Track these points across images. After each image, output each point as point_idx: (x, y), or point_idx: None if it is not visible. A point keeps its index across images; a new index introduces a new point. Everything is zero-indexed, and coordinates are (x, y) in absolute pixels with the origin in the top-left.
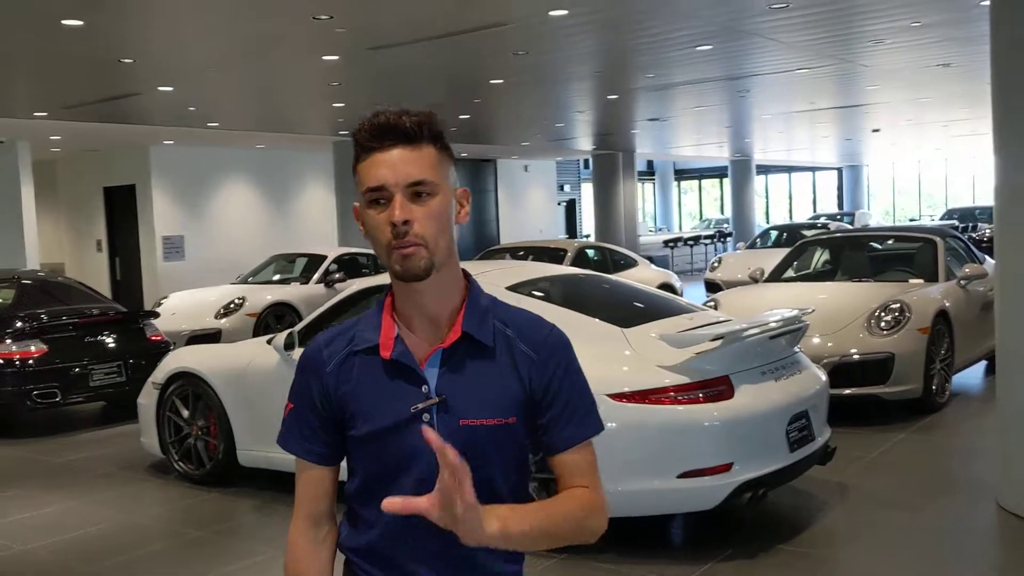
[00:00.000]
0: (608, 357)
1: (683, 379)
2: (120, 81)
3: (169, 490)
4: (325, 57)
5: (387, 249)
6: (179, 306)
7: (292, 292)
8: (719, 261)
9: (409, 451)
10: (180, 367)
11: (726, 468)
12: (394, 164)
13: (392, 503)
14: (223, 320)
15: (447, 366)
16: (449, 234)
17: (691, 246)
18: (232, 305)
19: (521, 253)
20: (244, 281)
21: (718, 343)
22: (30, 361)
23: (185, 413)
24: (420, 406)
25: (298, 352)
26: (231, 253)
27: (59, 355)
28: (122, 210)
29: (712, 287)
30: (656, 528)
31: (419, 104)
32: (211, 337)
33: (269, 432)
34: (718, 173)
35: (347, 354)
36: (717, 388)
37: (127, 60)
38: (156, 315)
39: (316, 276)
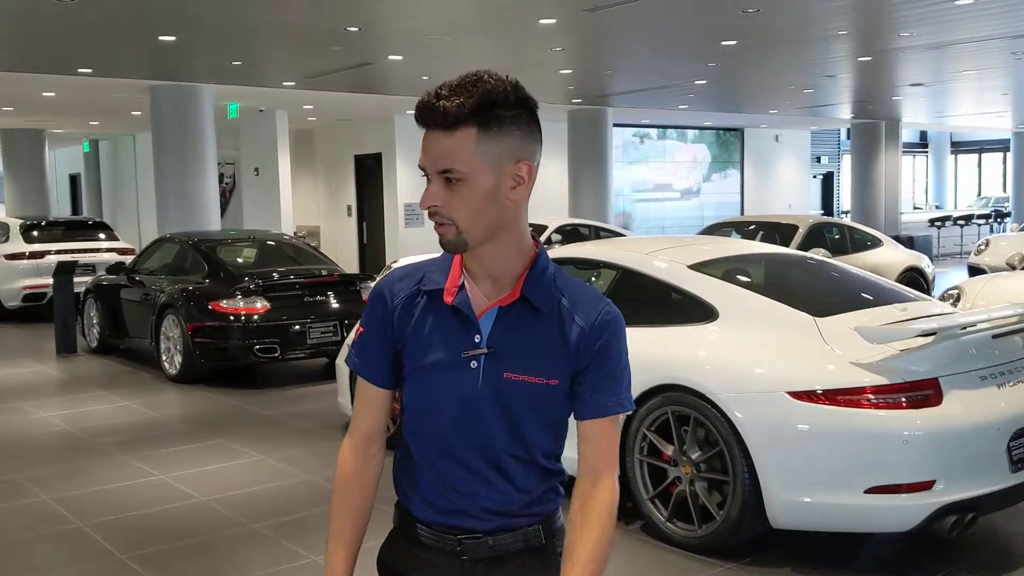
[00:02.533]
0: (794, 349)
1: (881, 380)
2: (351, 51)
3: None
4: (541, 21)
5: (431, 219)
6: None
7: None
8: (986, 244)
9: (453, 392)
10: None
11: (926, 486)
12: (429, 148)
13: None
14: None
15: (502, 322)
16: (489, 214)
17: (961, 226)
18: None
19: (751, 228)
20: None
21: (928, 339)
22: (255, 317)
23: None
24: (471, 352)
25: None
26: None
27: (281, 312)
28: (370, 177)
29: (975, 272)
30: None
31: (643, 70)
32: None
33: None
34: (1001, 146)
35: (415, 292)
36: (922, 392)
37: (352, 28)
38: (373, 278)
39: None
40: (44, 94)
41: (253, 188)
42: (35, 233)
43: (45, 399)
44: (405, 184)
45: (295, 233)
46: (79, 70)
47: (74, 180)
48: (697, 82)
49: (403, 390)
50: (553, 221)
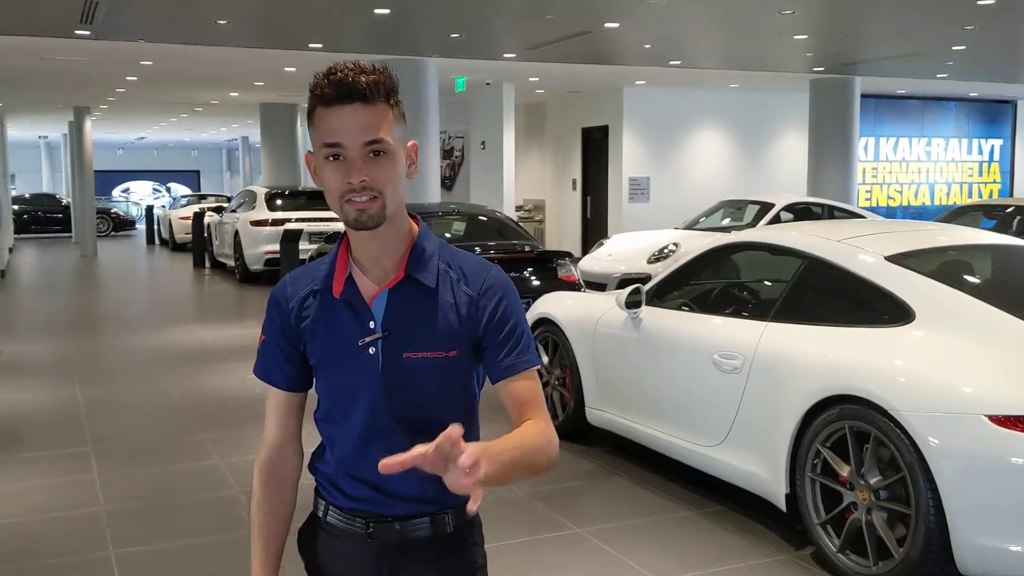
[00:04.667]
0: (1004, 364)
1: None
2: (566, 19)
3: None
4: None
5: (339, 200)
6: (617, 247)
7: (756, 235)
8: None
9: (359, 380)
10: (543, 313)
11: None
12: (351, 122)
13: (389, 464)
14: (656, 264)
15: (392, 304)
16: (400, 187)
17: None
18: (666, 251)
19: (1007, 211)
20: (690, 226)
21: None
22: None
23: (545, 360)
24: (367, 340)
25: (644, 311)
26: (695, 197)
27: None
28: (596, 150)
29: None
30: None
31: (888, 34)
32: (641, 281)
33: (613, 393)
34: None
35: (307, 293)
36: None
37: None
38: (569, 255)
39: (763, 224)
40: (286, 69)
41: (480, 161)
42: (278, 202)
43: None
44: (632, 157)
45: (518, 207)
46: (310, 45)
47: None
48: (955, 48)
49: (316, 389)
50: (781, 199)
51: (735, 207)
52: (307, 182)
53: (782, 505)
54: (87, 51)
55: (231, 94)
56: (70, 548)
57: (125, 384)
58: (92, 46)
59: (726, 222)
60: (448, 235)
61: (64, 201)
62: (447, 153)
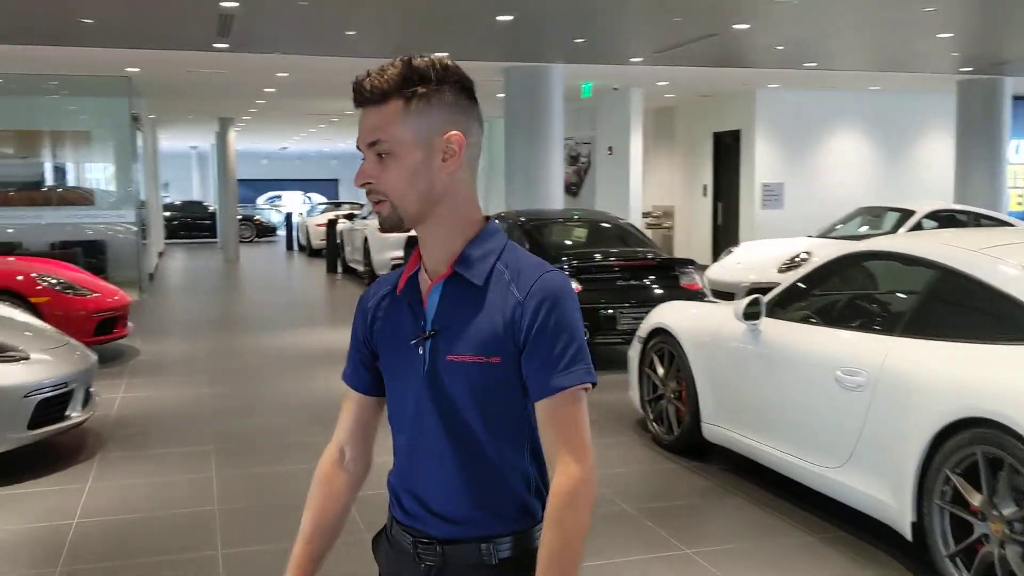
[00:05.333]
0: None
1: None
2: (693, 21)
3: (634, 450)
4: None
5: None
6: (746, 256)
7: (884, 244)
8: None
9: (407, 383)
10: (659, 322)
11: None
12: (362, 125)
13: None
14: (787, 274)
15: (444, 303)
16: (419, 188)
17: None
18: (797, 259)
19: None
20: (824, 235)
21: None
22: None
23: (661, 372)
24: (417, 338)
25: (763, 323)
26: (831, 204)
27: (593, 295)
28: (727, 156)
29: None
30: None
31: None
32: (762, 292)
33: (730, 408)
34: None
35: (384, 293)
36: None
37: None
38: (693, 263)
39: (903, 232)
40: None
41: (606, 167)
42: None
43: None
44: (765, 163)
45: (645, 214)
46: (436, 54)
47: None
48: None
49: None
50: (923, 206)
51: (873, 214)
52: None
53: (907, 534)
54: (226, 64)
55: None
56: (181, 546)
57: (251, 384)
58: (231, 59)
59: (863, 230)
60: (569, 242)
61: (211, 208)
62: (573, 159)
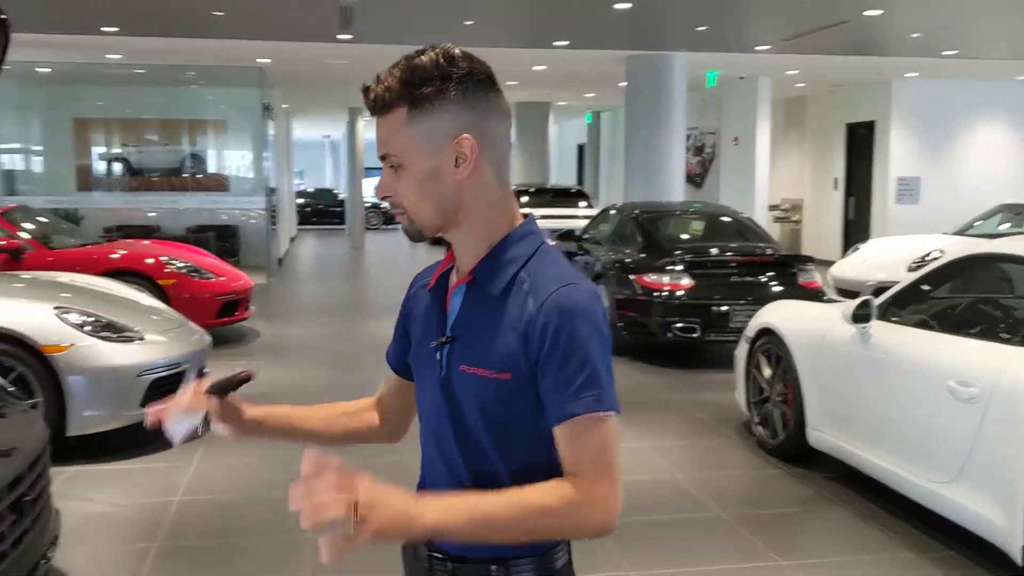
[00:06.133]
0: None
1: None
2: (822, 7)
3: (735, 453)
4: None
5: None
6: (875, 253)
7: (1005, 246)
8: None
9: (424, 389)
10: (766, 322)
11: None
12: (376, 136)
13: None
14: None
15: (464, 308)
16: (432, 197)
17: None
18: (927, 257)
19: None
20: (961, 232)
21: None
22: (678, 294)
23: (767, 373)
24: (436, 343)
25: (874, 326)
26: (971, 200)
27: (706, 291)
28: (860, 148)
29: None
30: None
31: None
32: (874, 293)
33: (838, 414)
34: None
35: (421, 284)
36: None
37: None
38: (812, 260)
39: None
40: (534, 68)
41: (731, 159)
42: (523, 199)
43: None
44: (900, 155)
45: (772, 207)
46: (555, 43)
47: (581, 150)
48: None
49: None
50: None
51: (1015, 212)
52: (564, 179)
53: (1018, 558)
54: (352, 55)
55: None
56: (275, 528)
57: (365, 370)
58: (355, 50)
59: (1004, 228)
60: (685, 236)
61: (341, 196)
62: (698, 150)
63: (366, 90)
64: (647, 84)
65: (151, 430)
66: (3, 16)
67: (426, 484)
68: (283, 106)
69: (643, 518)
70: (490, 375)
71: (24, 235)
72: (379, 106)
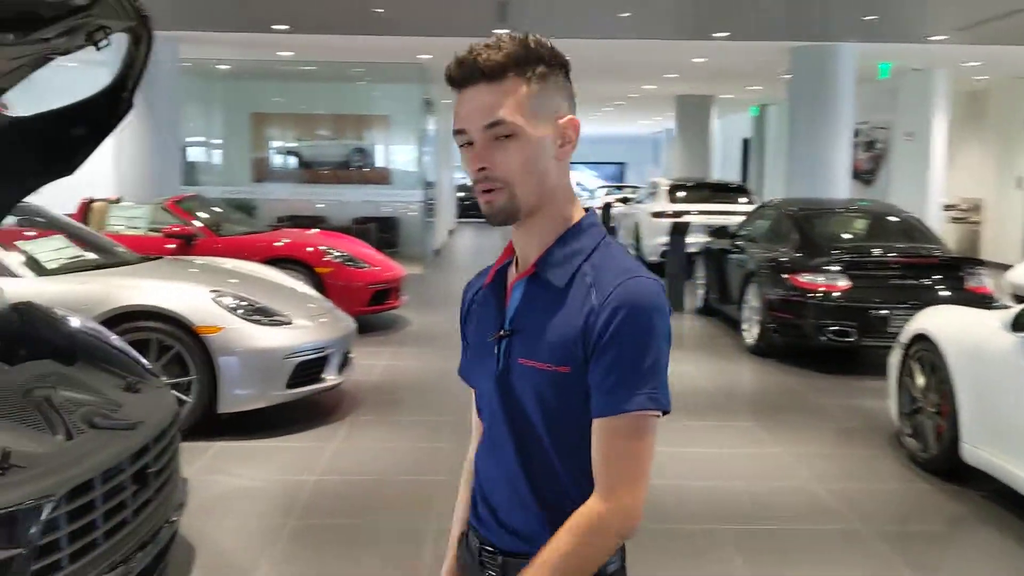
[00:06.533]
0: None
1: None
2: None
3: (883, 464)
4: None
5: (476, 191)
6: None
7: None
8: None
9: (482, 383)
10: (921, 328)
11: None
12: (471, 105)
13: None
14: None
15: (524, 302)
16: (538, 174)
17: None
18: None
19: None
20: None
21: None
22: (833, 295)
23: (921, 382)
24: (494, 336)
25: None
26: None
27: (864, 293)
28: None
29: None
30: None
31: None
32: None
33: (996, 430)
34: None
35: (478, 287)
36: None
37: None
38: (982, 263)
39: None
40: (694, 60)
41: (904, 154)
42: (680, 193)
43: None
44: None
45: (948, 206)
46: (714, 35)
47: (746, 145)
48: None
49: None
50: None
51: None
52: (727, 174)
53: None
54: None
55: (646, 87)
56: (398, 511)
57: None
58: None
59: None
60: (844, 234)
61: None
62: (868, 145)
63: (470, 56)
64: (811, 76)
65: None
66: (145, 15)
67: (481, 478)
68: (444, 101)
69: (771, 526)
70: (548, 368)
71: (196, 223)
72: (492, 72)
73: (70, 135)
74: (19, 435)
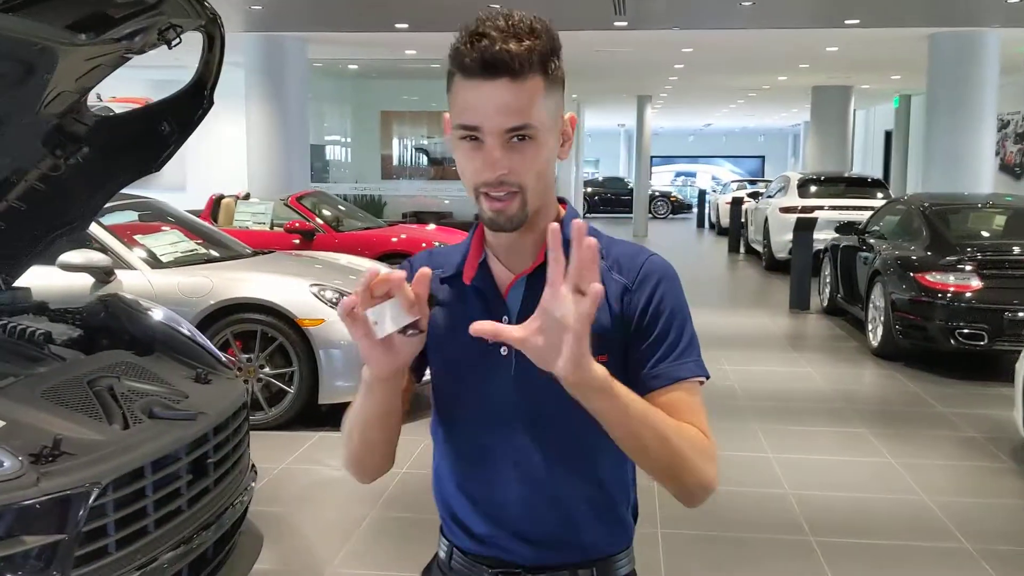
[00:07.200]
0: None
1: None
2: None
3: (1003, 479)
4: None
5: (474, 191)
6: None
7: None
8: None
9: (483, 388)
10: None
11: None
12: (492, 103)
13: (481, 327)
14: None
15: (531, 296)
16: (547, 176)
17: None
18: None
19: None
20: None
21: None
22: (964, 296)
23: None
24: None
25: None
26: None
27: (997, 294)
28: None
29: None
30: None
31: None
32: None
33: None
34: None
35: (436, 278)
36: None
37: None
38: None
39: None
40: (827, 49)
41: None
42: (811, 188)
43: (742, 352)
44: None
45: None
46: (847, 21)
47: (888, 137)
48: None
49: (432, 391)
50: None
51: None
52: (868, 168)
53: None
54: (630, 42)
55: (779, 78)
56: None
57: None
58: (633, 36)
59: None
60: (981, 231)
61: (631, 184)
62: (1019, 137)
63: (493, 48)
64: (951, 64)
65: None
66: (214, 14)
67: (474, 494)
68: (572, 96)
69: (868, 540)
70: None
71: (318, 220)
72: (518, 67)
73: (157, 132)
74: (76, 423)
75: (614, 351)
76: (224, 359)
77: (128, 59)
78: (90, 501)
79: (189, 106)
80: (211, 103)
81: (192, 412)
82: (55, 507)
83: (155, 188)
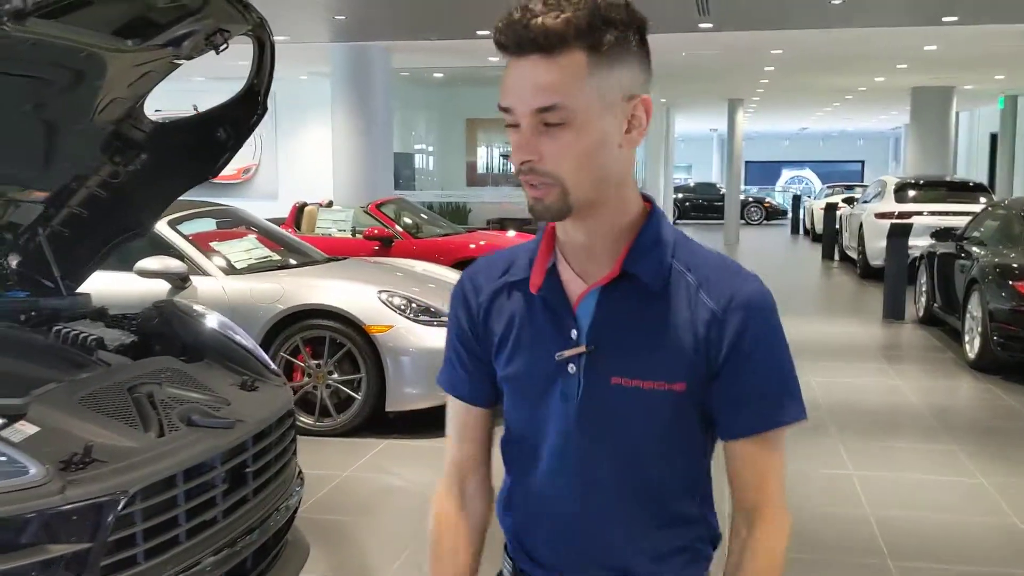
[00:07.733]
0: None
1: None
2: None
3: None
4: None
5: (519, 178)
6: None
7: None
8: None
9: (548, 407)
10: None
11: None
12: (521, 81)
13: None
14: None
15: (604, 310)
16: (597, 167)
17: None
18: None
19: None
20: None
21: None
22: None
23: None
24: (565, 354)
25: None
26: None
27: None
28: None
29: None
30: None
31: None
32: None
33: None
34: None
35: (501, 285)
36: None
37: None
38: None
39: None
40: (926, 48)
41: None
42: (909, 193)
43: (829, 363)
44: None
45: None
46: (944, 19)
47: (994, 140)
48: None
49: (503, 407)
50: None
51: None
52: (972, 172)
53: None
54: (717, 44)
55: (876, 79)
56: None
57: None
58: (719, 38)
59: None
60: None
61: (723, 190)
62: None
63: (522, 19)
64: None
65: None
66: (261, 21)
67: (538, 519)
68: (660, 100)
69: (951, 567)
70: (660, 387)
71: (397, 227)
72: (548, 42)
73: (214, 139)
74: (110, 430)
75: (694, 380)
76: (273, 367)
77: (178, 65)
78: (117, 510)
79: (244, 112)
80: (265, 109)
81: (230, 420)
82: (81, 515)
83: (250, 197)
